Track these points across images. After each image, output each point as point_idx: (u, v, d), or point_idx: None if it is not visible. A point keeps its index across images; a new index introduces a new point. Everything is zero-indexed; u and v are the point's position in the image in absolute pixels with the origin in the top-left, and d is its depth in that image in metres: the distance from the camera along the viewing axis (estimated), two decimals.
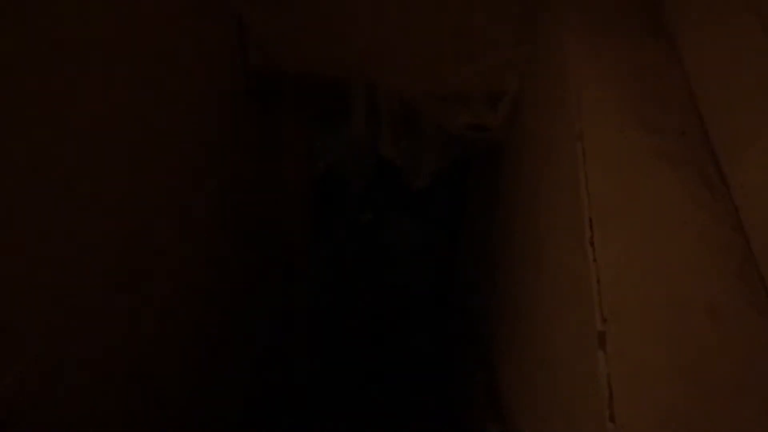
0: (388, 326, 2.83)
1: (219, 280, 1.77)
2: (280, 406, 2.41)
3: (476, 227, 2.11)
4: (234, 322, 1.91)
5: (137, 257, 1.26)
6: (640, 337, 0.64)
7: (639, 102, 0.91)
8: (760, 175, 0.72)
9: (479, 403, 1.65)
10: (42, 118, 0.92)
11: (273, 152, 2.11)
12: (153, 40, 1.29)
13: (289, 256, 2.38)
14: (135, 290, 1.26)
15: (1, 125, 0.83)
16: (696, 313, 0.65)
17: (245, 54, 1.79)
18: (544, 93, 1.27)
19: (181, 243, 1.49)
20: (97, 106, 1.07)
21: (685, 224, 0.75)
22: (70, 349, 1.03)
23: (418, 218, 3.00)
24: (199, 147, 1.55)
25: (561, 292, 0.83)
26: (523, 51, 1.57)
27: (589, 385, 0.64)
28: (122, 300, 1.21)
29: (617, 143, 0.86)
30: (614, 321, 0.65)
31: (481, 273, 1.88)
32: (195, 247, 1.58)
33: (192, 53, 1.48)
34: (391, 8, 1.69)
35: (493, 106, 1.71)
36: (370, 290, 2.91)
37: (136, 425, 1.32)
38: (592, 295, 0.67)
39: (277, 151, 2.13)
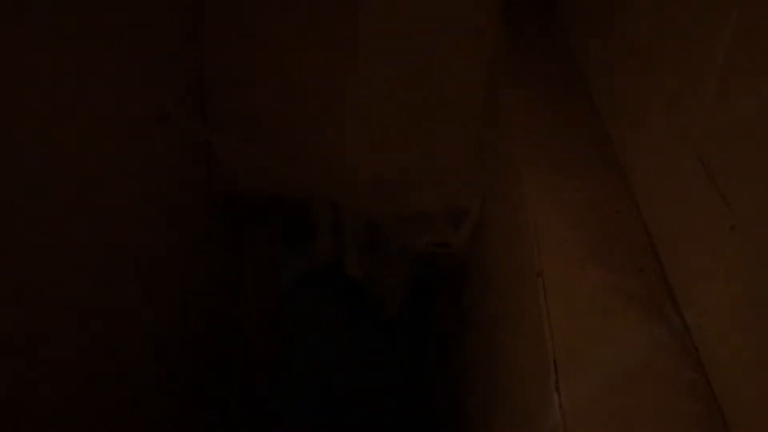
0: None
1: (179, 399, 1.71)
2: None
3: (442, 352, 2.10)
4: None
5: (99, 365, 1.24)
6: None
7: (596, 238, 0.94)
8: (716, 317, 0.73)
9: None
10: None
11: (238, 269, 2.10)
12: (124, 162, 1.31)
13: (253, 373, 2.31)
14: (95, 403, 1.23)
15: None
16: None
17: (210, 176, 1.81)
18: (504, 220, 1.30)
19: (141, 359, 1.45)
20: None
21: (647, 367, 0.75)
22: None
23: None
24: (160, 262, 1.55)
25: None
26: (484, 176, 1.62)
27: None
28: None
29: (577, 281, 0.87)
30: None
31: (449, 402, 1.85)
32: (155, 365, 1.54)
33: (158, 174, 1.50)
34: (356, 133, 1.74)
35: (455, 225, 1.74)
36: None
37: None
38: None
39: (242, 268, 2.12)
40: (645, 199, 0.98)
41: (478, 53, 1.64)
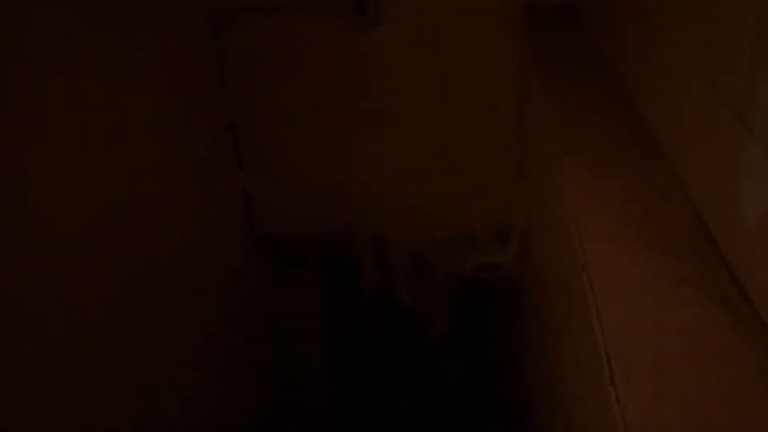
0: None
1: None
2: None
3: (503, 370, 2.02)
4: None
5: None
6: None
7: (643, 225, 0.88)
8: None
9: None
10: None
11: (288, 312, 2.08)
12: (164, 210, 1.33)
13: (310, 418, 2.27)
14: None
15: None
16: None
17: (252, 221, 1.81)
18: (549, 223, 1.25)
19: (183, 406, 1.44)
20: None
21: (711, 351, 0.68)
22: None
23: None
24: (210, 309, 1.54)
25: None
26: (525, 185, 1.57)
27: None
28: None
29: (625, 269, 0.81)
30: None
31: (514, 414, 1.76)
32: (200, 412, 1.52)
33: (198, 220, 1.51)
34: (391, 161, 1.72)
35: (502, 243, 1.68)
36: None
37: None
38: None
39: (291, 311, 2.09)
40: (691, 181, 0.92)
41: (507, 68, 1.61)
